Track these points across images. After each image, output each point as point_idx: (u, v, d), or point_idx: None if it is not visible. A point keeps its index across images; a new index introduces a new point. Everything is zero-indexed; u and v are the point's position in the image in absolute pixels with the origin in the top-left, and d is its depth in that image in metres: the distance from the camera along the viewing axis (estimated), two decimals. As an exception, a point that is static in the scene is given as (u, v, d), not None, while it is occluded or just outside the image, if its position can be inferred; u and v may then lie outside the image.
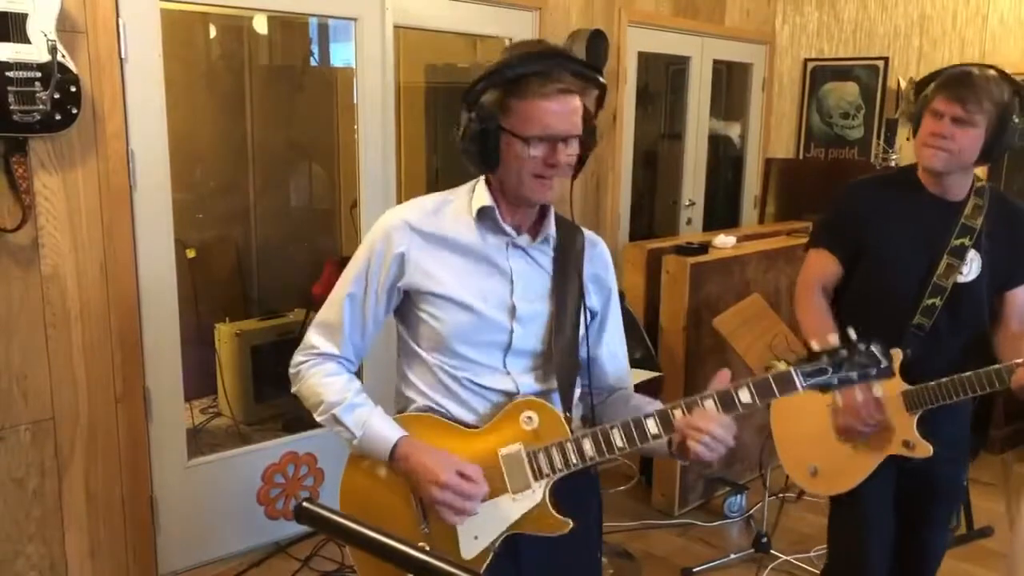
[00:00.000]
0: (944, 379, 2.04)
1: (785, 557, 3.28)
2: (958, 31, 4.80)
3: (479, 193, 1.57)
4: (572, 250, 1.63)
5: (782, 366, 2.50)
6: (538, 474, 1.52)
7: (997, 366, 1.99)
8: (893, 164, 4.72)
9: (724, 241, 3.88)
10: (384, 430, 1.55)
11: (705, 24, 4.99)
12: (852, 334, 1.49)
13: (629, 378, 1.77)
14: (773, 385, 1.47)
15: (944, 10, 4.84)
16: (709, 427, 1.44)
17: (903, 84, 4.91)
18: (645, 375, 3.33)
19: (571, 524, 1.54)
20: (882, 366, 1.48)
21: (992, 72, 2.02)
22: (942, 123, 1.98)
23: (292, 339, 4.11)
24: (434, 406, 1.59)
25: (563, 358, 1.59)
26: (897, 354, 2.10)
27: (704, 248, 3.73)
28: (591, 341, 1.68)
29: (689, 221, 5.22)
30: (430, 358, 1.58)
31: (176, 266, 2.97)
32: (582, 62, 1.50)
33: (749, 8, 5.32)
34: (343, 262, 1.68)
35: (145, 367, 2.89)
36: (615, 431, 1.50)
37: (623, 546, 3.40)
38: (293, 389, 1.64)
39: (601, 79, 1.52)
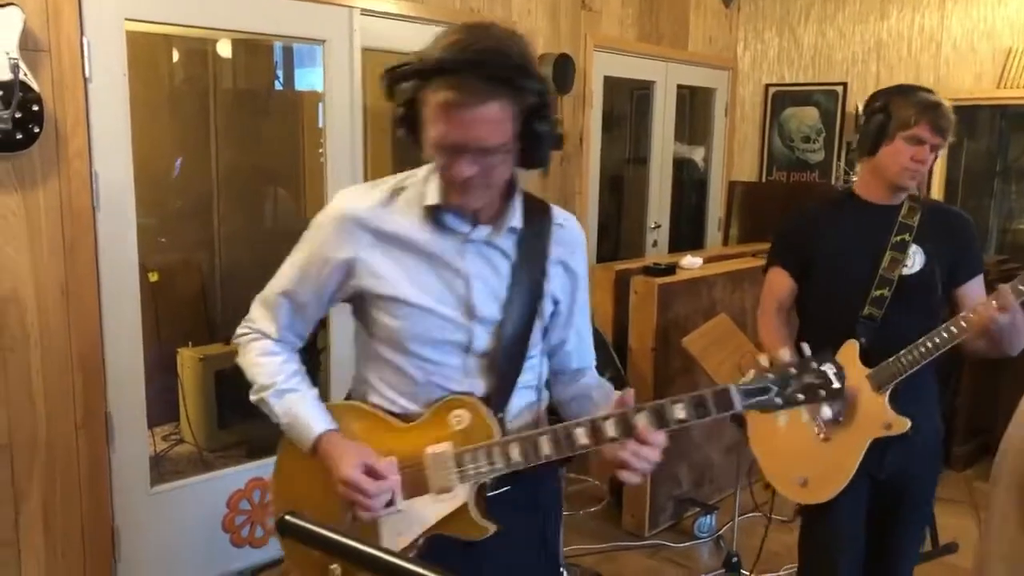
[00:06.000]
0: (901, 352, 2.12)
1: (755, 577, 3.29)
2: (913, 57, 4.93)
3: (431, 185, 1.45)
4: (537, 238, 1.52)
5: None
6: (463, 476, 1.45)
7: (946, 323, 2.08)
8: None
9: (691, 262, 3.91)
10: (309, 421, 1.50)
11: (669, 50, 5.07)
12: (806, 350, 1.38)
13: (592, 359, 1.71)
14: (710, 402, 1.34)
15: (900, 38, 4.98)
16: (640, 450, 1.36)
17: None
18: (615, 396, 3.33)
19: (491, 529, 1.48)
20: (833, 387, 1.35)
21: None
22: (923, 149, 2.14)
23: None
24: (385, 403, 1.53)
25: (507, 357, 1.51)
26: (854, 344, 2.18)
27: (671, 269, 3.76)
28: (560, 329, 1.61)
29: (655, 243, 5.27)
30: (386, 354, 1.52)
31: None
32: (502, 65, 1.29)
33: (712, 34, 5.41)
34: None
35: (107, 392, 2.82)
36: (543, 438, 1.41)
37: (593, 569, 3.38)
38: (236, 360, 1.60)
39: (526, 84, 1.31)
